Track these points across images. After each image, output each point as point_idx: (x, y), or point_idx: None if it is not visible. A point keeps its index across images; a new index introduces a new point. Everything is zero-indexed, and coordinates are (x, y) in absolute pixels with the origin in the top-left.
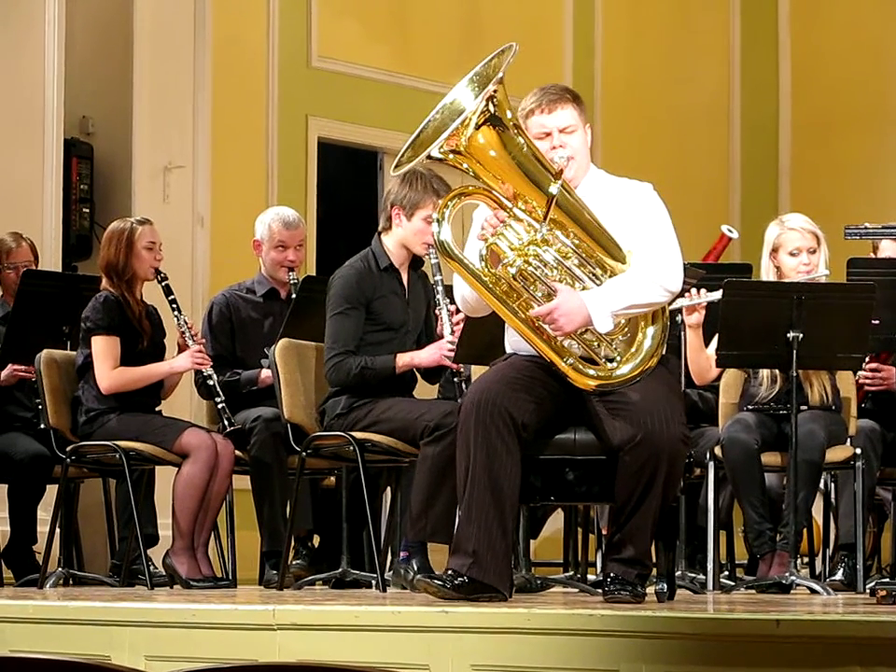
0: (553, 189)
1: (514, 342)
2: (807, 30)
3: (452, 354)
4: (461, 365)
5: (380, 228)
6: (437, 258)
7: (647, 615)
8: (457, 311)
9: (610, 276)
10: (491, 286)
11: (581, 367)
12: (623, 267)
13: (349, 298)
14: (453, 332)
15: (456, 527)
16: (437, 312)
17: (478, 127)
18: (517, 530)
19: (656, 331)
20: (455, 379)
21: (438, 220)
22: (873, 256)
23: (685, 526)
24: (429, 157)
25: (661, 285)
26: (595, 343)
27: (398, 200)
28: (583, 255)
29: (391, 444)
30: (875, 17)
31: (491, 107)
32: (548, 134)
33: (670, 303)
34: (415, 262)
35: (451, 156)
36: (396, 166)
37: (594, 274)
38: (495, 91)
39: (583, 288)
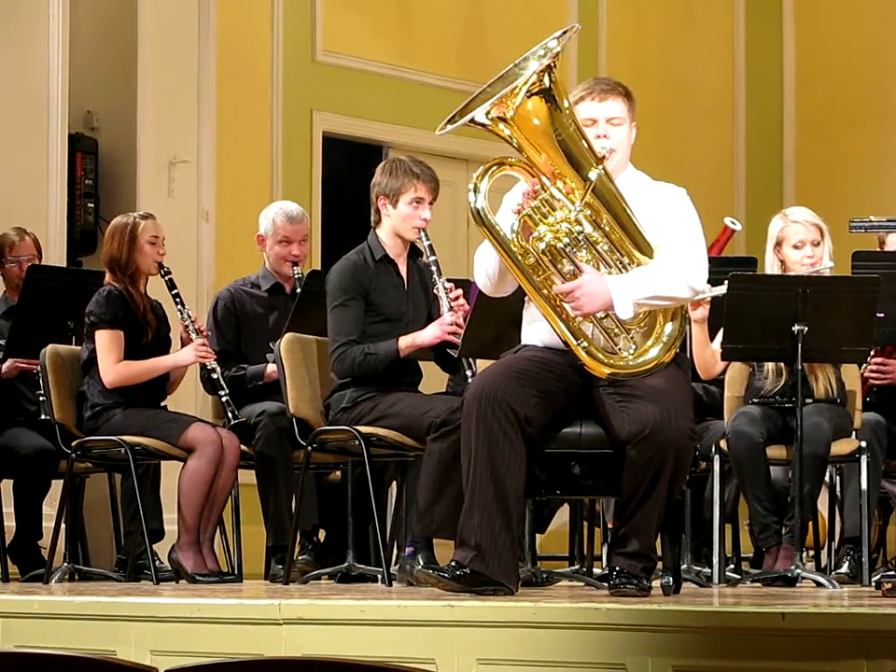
0: (593, 174)
1: (530, 333)
2: (811, 25)
3: (452, 329)
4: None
5: (372, 222)
6: (429, 240)
7: (652, 609)
8: (455, 287)
9: (637, 267)
10: (519, 257)
11: (595, 352)
12: (650, 262)
13: (346, 289)
14: (451, 309)
15: (460, 521)
16: (434, 291)
17: (529, 96)
18: (523, 524)
19: (674, 327)
20: (470, 374)
21: (475, 188)
22: (879, 249)
23: (691, 520)
24: (474, 120)
25: (686, 281)
26: (614, 331)
27: (381, 190)
28: (614, 243)
29: (397, 439)
30: (879, 12)
31: (546, 81)
32: (594, 122)
33: None
34: (414, 254)
35: (498, 123)
36: (442, 127)
37: (621, 263)
38: (551, 65)
39: (609, 274)
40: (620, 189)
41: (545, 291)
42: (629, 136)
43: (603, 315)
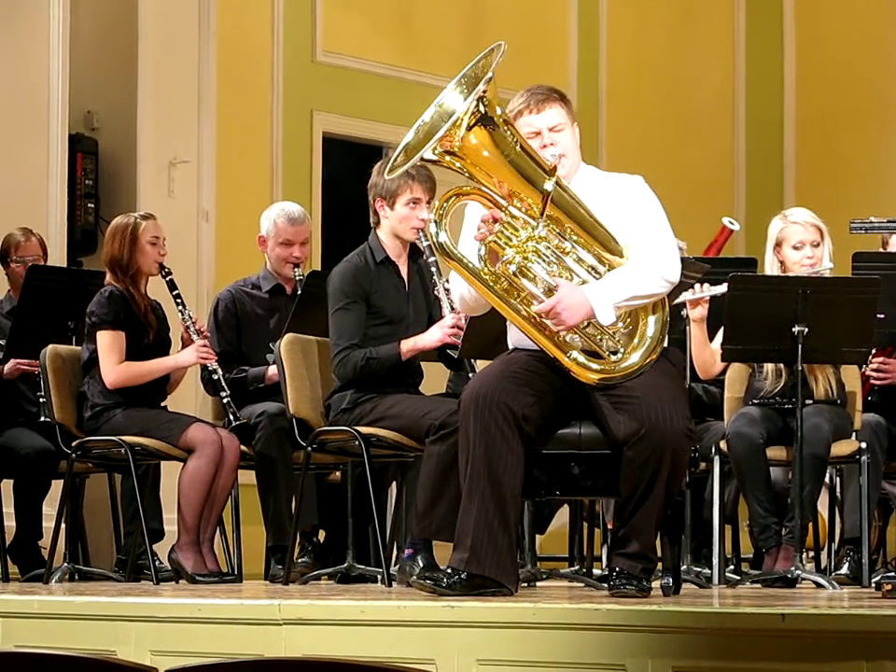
0: (548, 185)
1: (517, 337)
2: (812, 24)
3: (454, 331)
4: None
5: (371, 223)
6: (428, 240)
7: (652, 609)
8: None
9: (609, 270)
10: (492, 284)
11: (584, 361)
12: (621, 261)
13: (348, 292)
14: (453, 310)
15: (458, 521)
16: (434, 292)
17: (470, 128)
18: (521, 524)
19: (657, 323)
20: (471, 375)
21: (436, 222)
22: (882, 250)
23: (691, 521)
24: (423, 159)
25: (661, 275)
26: (598, 337)
27: (378, 192)
28: (581, 249)
29: (397, 439)
30: (880, 11)
31: (482, 108)
32: (537, 134)
33: (672, 296)
34: (415, 254)
35: (447, 157)
36: (389, 171)
37: (592, 268)
38: (484, 92)
39: (583, 282)
40: (577, 192)
41: (524, 312)
42: (574, 138)
43: (585, 324)
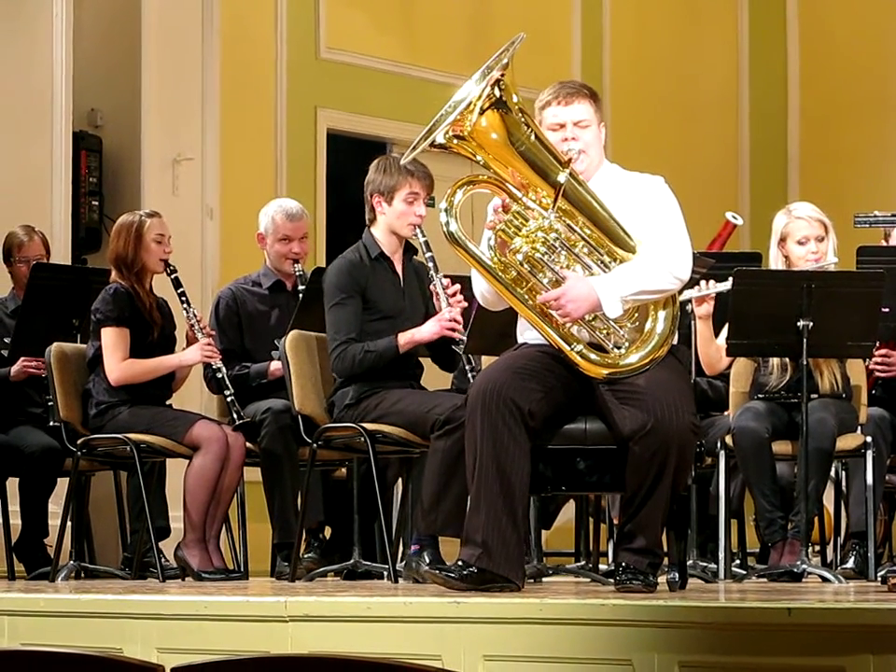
0: (561, 177)
1: (525, 331)
2: (816, 18)
3: (451, 325)
4: (464, 335)
5: (367, 220)
6: (425, 236)
7: (658, 604)
8: (452, 283)
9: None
10: (500, 273)
11: (590, 354)
12: (633, 257)
13: (343, 287)
14: (449, 304)
15: (466, 518)
16: (431, 287)
17: (482, 111)
18: (528, 520)
19: (666, 320)
20: (469, 369)
21: (446, 210)
22: (884, 243)
23: (696, 515)
24: (434, 143)
25: (670, 271)
26: (605, 331)
27: (375, 188)
28: (593, 244)
29: (402, 435)
30: (883, 4)
31: (497, 92)
32: (562, 126)
33: (679, 293)
34: (409, 251)
35: (455, 141)
36: (406, 157)
37: (603, 262)
38: (501, 76)
39: (592, 275)
40: (594, 188)
41: (531, 302)
42: (598, 136)
43: (592, 317)
